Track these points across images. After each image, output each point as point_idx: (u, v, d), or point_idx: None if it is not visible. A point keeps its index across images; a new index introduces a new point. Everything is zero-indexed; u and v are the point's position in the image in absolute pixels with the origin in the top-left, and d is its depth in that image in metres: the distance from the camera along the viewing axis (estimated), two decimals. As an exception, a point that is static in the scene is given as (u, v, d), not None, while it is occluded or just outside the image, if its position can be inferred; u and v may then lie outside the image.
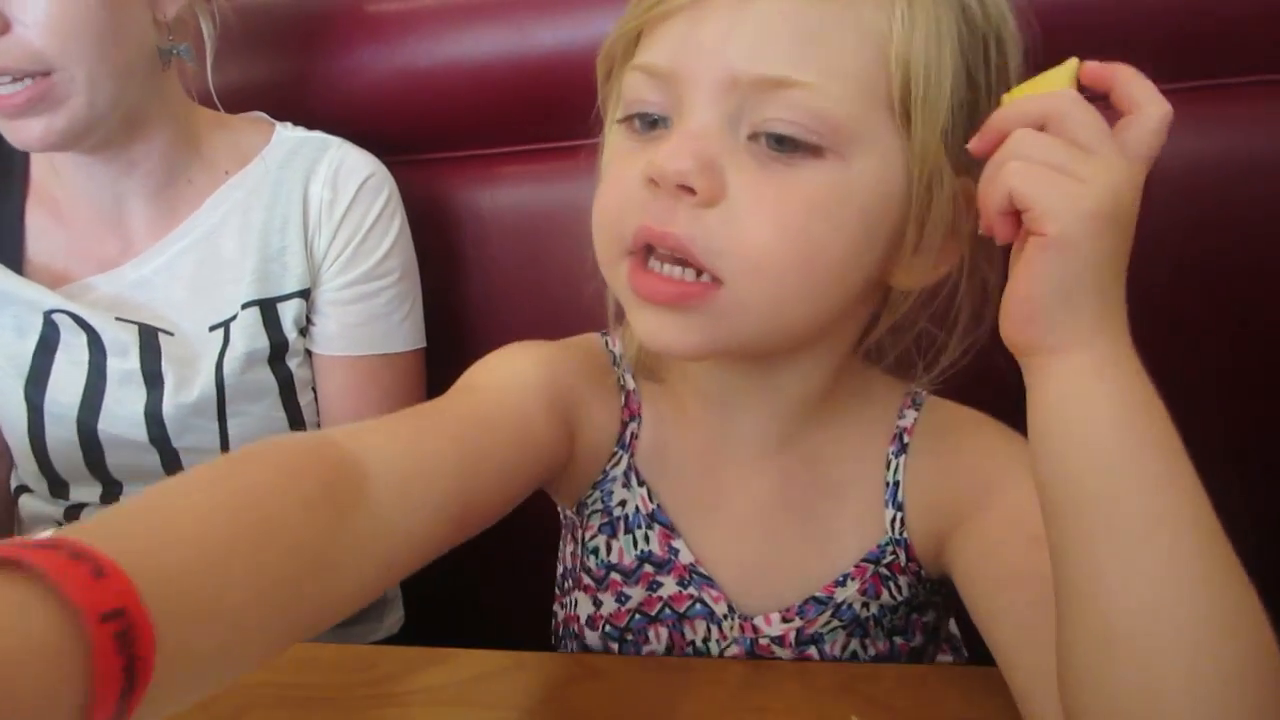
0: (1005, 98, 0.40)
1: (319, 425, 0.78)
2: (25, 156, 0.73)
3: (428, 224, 0.83)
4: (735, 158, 0.41)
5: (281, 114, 0.80)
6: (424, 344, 0.80)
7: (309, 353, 0.76)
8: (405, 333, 0.78)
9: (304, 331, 0.75)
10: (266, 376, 0.73)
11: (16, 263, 0.71)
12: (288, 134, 0.77)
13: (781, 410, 0.51)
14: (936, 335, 0.49)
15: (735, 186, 0.41)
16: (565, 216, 0.83)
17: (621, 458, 0.54)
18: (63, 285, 0.71)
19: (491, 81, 0.82)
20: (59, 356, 0.70)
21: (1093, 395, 0.35)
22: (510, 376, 0.50)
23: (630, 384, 0.55)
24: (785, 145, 0.40)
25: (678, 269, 0.42)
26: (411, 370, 0.79)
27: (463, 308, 0.87)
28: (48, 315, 0.69)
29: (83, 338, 0.70)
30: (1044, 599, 0.37)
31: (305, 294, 0.74)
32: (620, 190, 0.43)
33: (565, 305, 0.85)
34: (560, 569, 0.61)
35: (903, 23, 0.41)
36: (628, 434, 0.54)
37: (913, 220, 0.43)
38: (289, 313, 0.73)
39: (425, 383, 0.81)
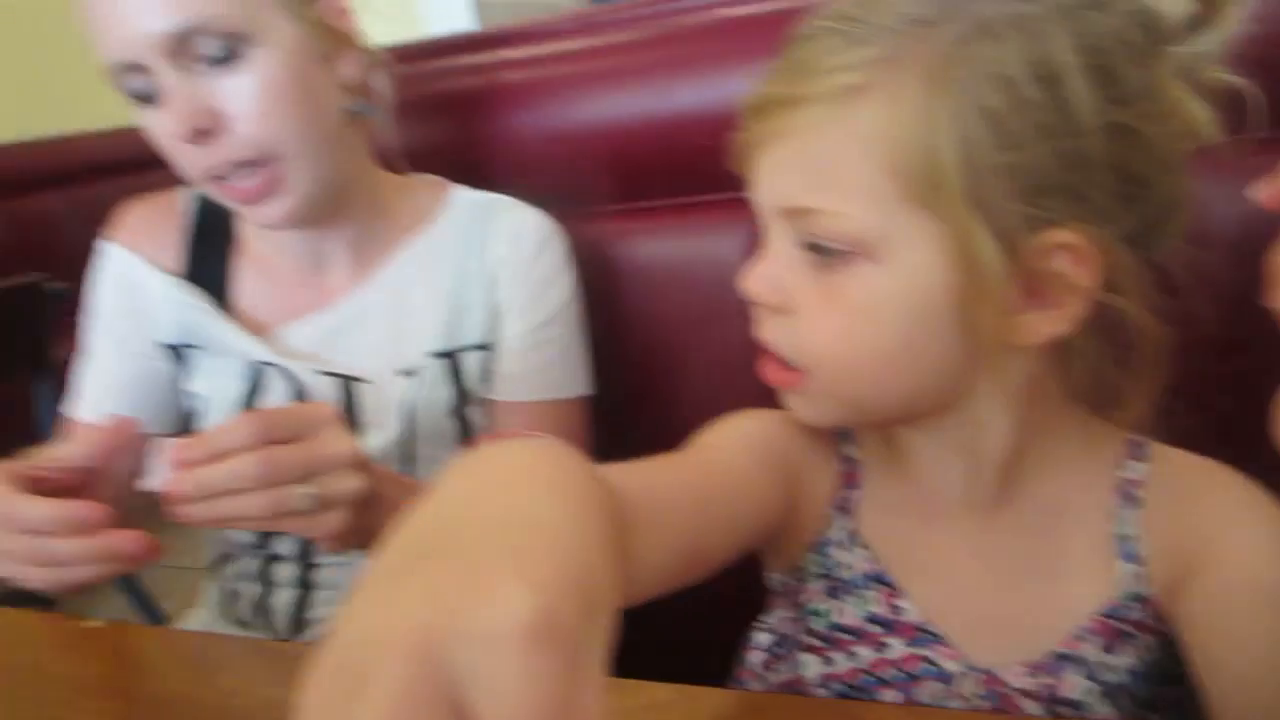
0: None
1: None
2: (233, 213, 0.79)
3: (591, 274, 0.89)
4: (800, 271, 0.49)
5: (454, 172, 0.87)
6: (591, 389, 0.85)
7: (487, 401, 0.82)
8: (574, 380, 0.83)
9: (485, 381, 0.80)
10: (449, 426, 0.78)
11: (226, 311, 0.78)
12: (464, 195, 0.83)
13: (980, 464, 0.52)
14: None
15: (799, 297, 0.49)
16: (718, 266, 0.87)
17: (841, 521, 0.57)
18: (264, 333, 0.77)
19: (649, 138, 0.88)
20: (263, 403, 0.76)
21: None
22: (738, 438, 0.56)
23: (854, 453, 0.58)
24: (824, 253, 0.47)
25: None
26: (579, 415, 0.84)
27: (623, 354, 0.92)
28: (257, 365, 0.76)
29: (288, 387, 0.76)
30: (1268, 668, 0.37)
31: (487, 346, 0.79)
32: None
33: (719, 350, 0.90)
34: (769, 639, 0.63)
35: (894, 117, 0.43)
36: (847, 499, 0.57)
37: (971, 291, 0.44)
38: (472, 364, 0.79)
39: (592, 427, 0.86)
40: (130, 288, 0.78)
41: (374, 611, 0.23)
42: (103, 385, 0.80)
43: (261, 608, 0.81)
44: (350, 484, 0.55)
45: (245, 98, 0.65)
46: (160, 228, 0.80)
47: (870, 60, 0.44)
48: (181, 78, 0.64)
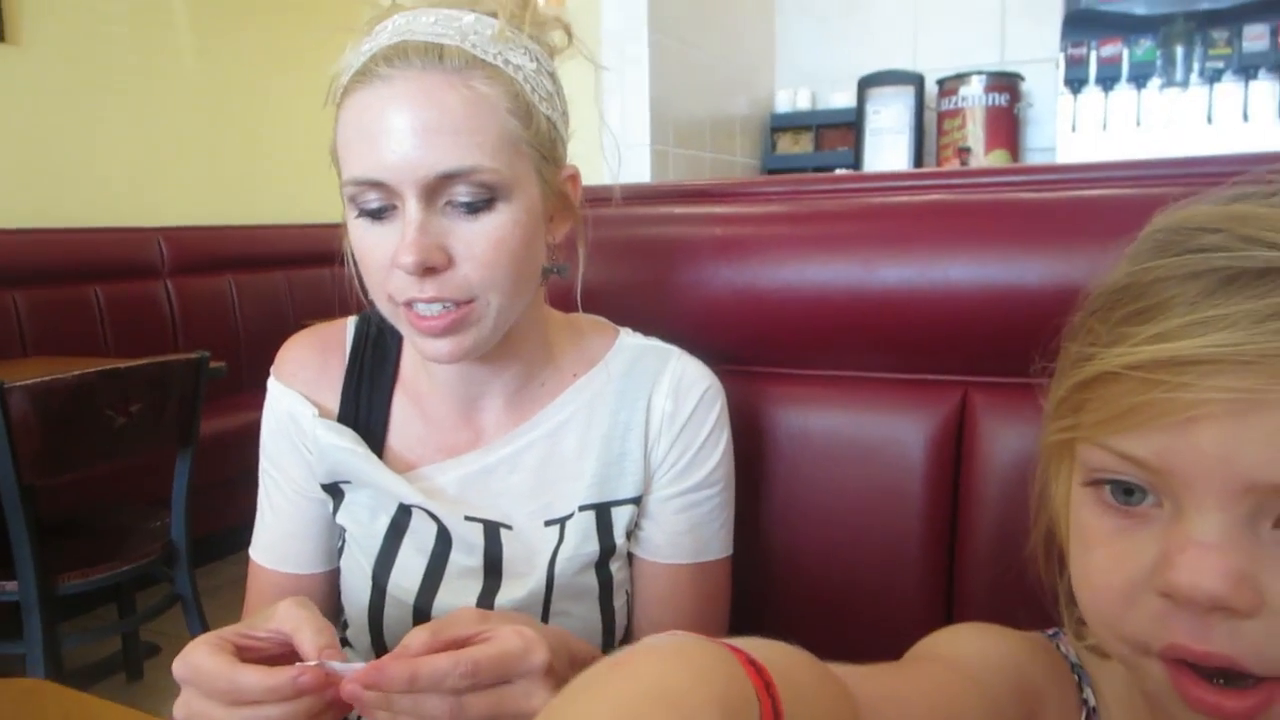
0: None
1: (627, 627, 0.79)
2: (398, 351, 0.80)
3: (743, 431, 0.85)
4: (1260, 555, 0.38)
5: (625, 314, 0.86)
6: (732, 550, 0.81)
7: (629, 556, 0.78)
8: (722, 540, 0.79)
9: (630, 536, 0.77)
10: (591, 580, 0.75)
11: (379, 447, 0.77)
12: (630, 341, 0.81)
13: None
14: None
15: (1271, 589, 0.38)
16: (893, 445, 0.83)
17: None
18: (414, 469, 0.76)
19: (828, 309, 0.85)
20: (405, 542, 0.74)
21: None
22: (976, 652, 0.49)
23: (1092, 700, 0.51)
24: None
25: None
26: (723, 576, 0.80)
27: (765, 518, 0.88)
28: (403, 505, 0.74)
29: (433, 529, 0.73)
30: None
31: (637, 500, 0.76)
32: (1118, 592, 0.41)
33: (864, 532, 0.85)
34: None
35: None
36: None
37: None
38: (621, 519, 0.75)
39: (731, 589, 0.81)
40: (293, 426, 0.78)
41: None
42: (278, 530, 0.80)
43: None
44: None
45: (478, 245, 0.65)
46: (322, 364, 0.79)
47: None
48: (426, 213, 0.64)
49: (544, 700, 0.54)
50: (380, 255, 0.66)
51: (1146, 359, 0.39)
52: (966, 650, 0.50)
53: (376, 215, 0.66)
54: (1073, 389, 0.43)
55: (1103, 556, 0.42)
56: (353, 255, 0.73)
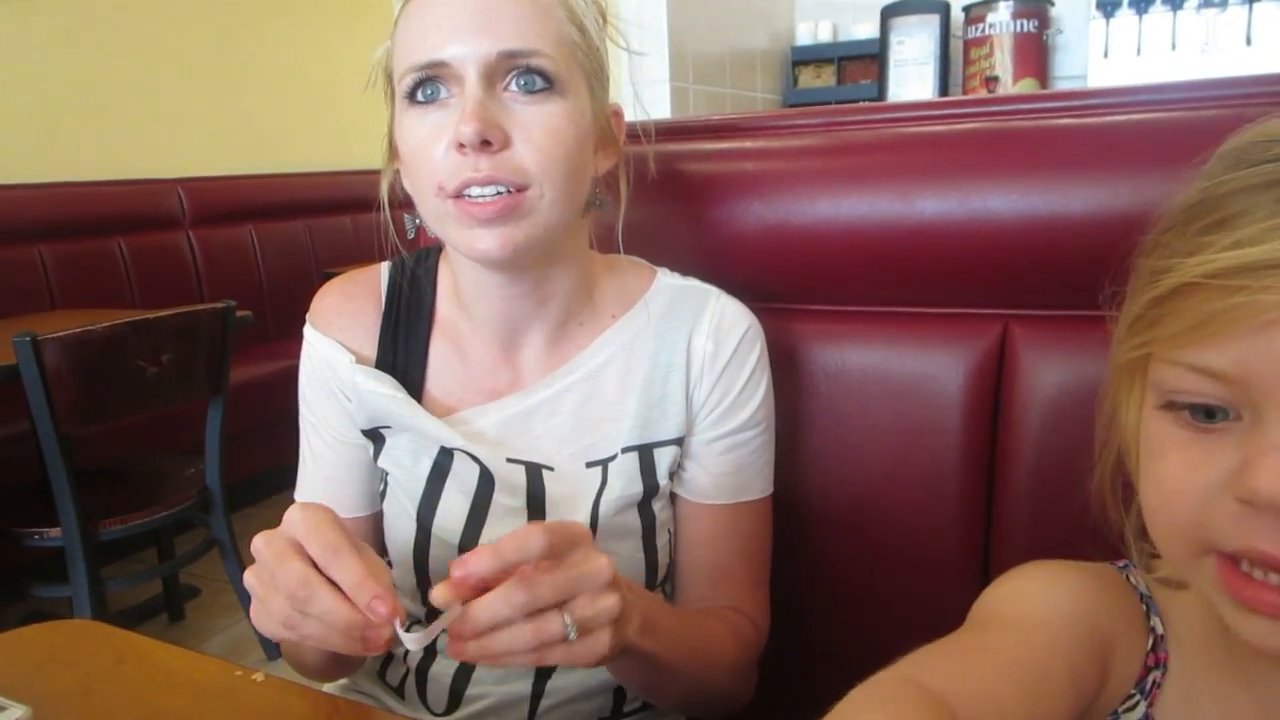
0: None
1: (669, 566, 0.79)
2: (433, 294, 0.80)
3: (779, 369, 0.85)
4: None
5: (655, 252, 0.85)
6: (772, 489, 0.81)
7: (672, 496, 0.78)
8: (764, 479, 0.80)
9: (673, 476, 0.77)
10: (634, 519, 0.75)
11: (417, 392, 0.76)
12: (668, 281, 0.80)
13: None
14: None
15: None
16: (931, 380, 0.82)
17: (1138, 703, 0.50)
18: (454, 413, 0.76)
19: (864, 243, 0.83)
20: (449, 484, 0.74)
21: None
22: (1049, 609, 0.49)
23: (1160, 628, 0.51)
24: None
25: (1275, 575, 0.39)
26: (765, 514, 0.81)
27: (802, 455, 0.87)
28: (445, 448, 0.74)
29: (475, 471, 0.74)
30: None
31: (680, 441, 0.76)
32: (1191, 497, 0.41)
33: (902, 468, 0.85)
34: None
35: None
36: (1149, 681, 0.50)
37: None
38: (664, 459, 0.75)
39: (772, 526, 0.82)
40: (330, 374, 0.78)
41: None
42: (320, 475, 0.80)
43: (420, 675, 0.77)
44: (607, 603, 0.55)
45: (535, 129, 0.66)
46: (358, 311, 0.79)
47: None
48: (487, 93, 0.65)
49: (605, 562, 0.56)
50: (434, 143, 0.66)
51: (1225, 266, 0.38)
52: (1038, 608, 0.49)
53: (433, 100, 0.67)
54: (1149, 304, 0.43)
55: (1176, 462, 0.42)
56: (388, 200, 0.74)
